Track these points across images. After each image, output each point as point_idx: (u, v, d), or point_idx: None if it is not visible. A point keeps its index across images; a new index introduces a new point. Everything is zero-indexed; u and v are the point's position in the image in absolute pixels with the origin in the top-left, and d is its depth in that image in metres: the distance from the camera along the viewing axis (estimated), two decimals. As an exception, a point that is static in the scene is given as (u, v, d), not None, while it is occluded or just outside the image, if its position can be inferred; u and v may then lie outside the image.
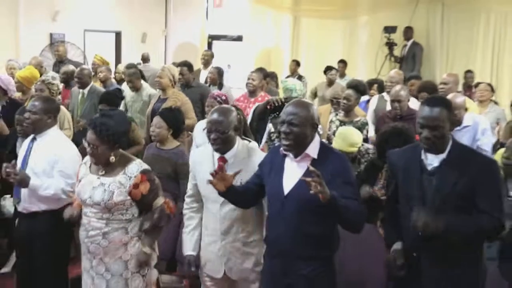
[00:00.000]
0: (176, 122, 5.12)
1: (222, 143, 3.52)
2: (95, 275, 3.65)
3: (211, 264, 3.71)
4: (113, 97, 6.11)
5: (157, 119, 5.09)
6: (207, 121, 3.67)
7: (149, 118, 6.45)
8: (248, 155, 3.60)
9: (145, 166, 3.66)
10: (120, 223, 3.60)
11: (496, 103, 8.04)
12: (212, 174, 3.24)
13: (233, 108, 3.74)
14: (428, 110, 3.10)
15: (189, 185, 3.84)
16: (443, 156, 3.13)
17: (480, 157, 3.27)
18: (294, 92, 6.11)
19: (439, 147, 3.12)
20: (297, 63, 11.75)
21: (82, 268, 3.76)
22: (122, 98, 6.71)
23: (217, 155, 3.60)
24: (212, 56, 10.25)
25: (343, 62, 11.41)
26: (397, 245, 3.29)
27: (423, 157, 3.19)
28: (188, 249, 3.73)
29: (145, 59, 11.22)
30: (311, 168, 2.91)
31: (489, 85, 8.09)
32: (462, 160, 3.11)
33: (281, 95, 6.49)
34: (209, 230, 3.69)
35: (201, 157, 3.71)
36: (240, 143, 3.62)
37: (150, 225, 3.63)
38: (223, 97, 5.59)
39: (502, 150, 4.68)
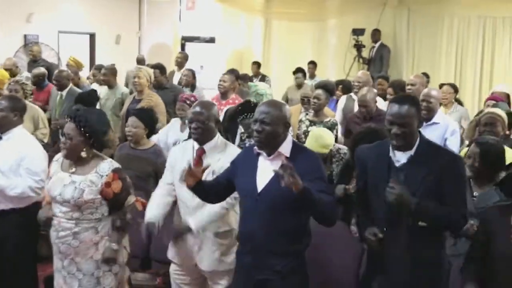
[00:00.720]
0: (151, 122, 5.11)
1: (202, 133, 3.61)
2: (67, 275, 3.59)
3: (183, 256, 3.74)
4: (89, 98, 6.07)
5: (133, 119, 5.04)
6: (189, 112, 3.76)
7: (123, 118, 6.40)
8: (225, 150, 3.67)
9: (116, 165, 3.63)
10: (90, 223, 3.56)
11: (460, 103, 8.13)
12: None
13: (215, 103, 3.86)
14: (397, 107, 3.12)
15: (165, 173, 3.88)
16: (410, 152, 3.15)
17: (446, 153, 3.29)
18: (264, 97, 6.16)
19: (408, 144, 3.13)
20: (258, 65, 11.76)
21: (54, 267, 3.70)
22: (97, 98, 6.66)
23: (197, 147, 3.67)
24: (186, 58, 10.21)
25: (313, 63, 11.44)
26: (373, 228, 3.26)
27: (391, 154, 3.19)
28: (148, 217, 3.70)
29: (140, 61, 11.11)
30: (285, 162, 2.91)
31: (453, 86, 8.18)
32: (429, 157, 3.13)
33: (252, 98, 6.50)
34: (181, 221, 3.71)
35: (182, 152, 3.76)
36: (219, 138, 3.71)
37: (122, 223, 3.60)
38: (192, 99, 5.62)
39: (466, 149, 4.72)
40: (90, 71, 9.79)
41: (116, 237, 3.61)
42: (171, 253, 3.85)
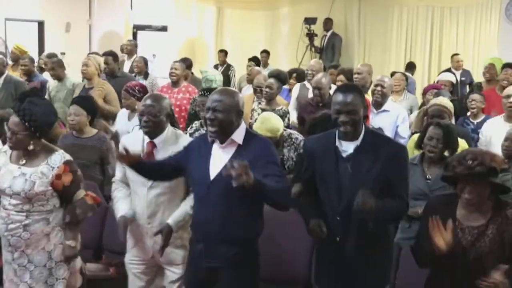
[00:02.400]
0: (93, 109, 5.04)
1: (152, 127, 3.56)
2: (17, 267, 3.52)
3: (139, 246, 3.71)
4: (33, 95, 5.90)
5: (75, 108, 4.96)
6: (140, 105, 3.71)
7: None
8: (176, 141, 3.62)
9: (68, 157, 3.54)
10: (41, 214, 3.48)
11: (409, 91, 8.26)
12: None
13: (166, 96, 3.80)
14: (342, 96, 3.13)
15: (118, 169, 3.82)
16: (356, 142, 3.17)
17: (391, 143, 3.34)
18: (214, 83, 6.17)
19: (354, 132, 3.15)
20: (225, 53, 11.67)
21: (3, 260, 3.61)
22: (43, 95, 6.51)
23: (147, 140, 3.62)
24: (135, 46, 10.09)
25: (266, 53, 11.43)
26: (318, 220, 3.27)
27: (337, 144, 3.21)
28: (121, 211, 3.66)
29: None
30: (234, 161, 2.88)
31: (404, 74, 8.31)
32: (375, 146, 3.17)
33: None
34: (136, 213, 3.66)
35: (132, 142, 3.69)
36: (169, 130, 3.65)
37: (72, 218, 3.52)
38: (137, 88, 5.58)
39: (415, 136, 4.80)
40: (38, 59, 9.52)
41: (71, 234, 3.55)
42: (129, 243, 3.80)
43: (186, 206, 3.56)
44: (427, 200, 3.43)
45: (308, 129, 4.55)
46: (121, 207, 3.69)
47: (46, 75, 8.08)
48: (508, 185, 4.32)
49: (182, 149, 3.44)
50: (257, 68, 9.02)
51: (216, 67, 10.87)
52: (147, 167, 3.40)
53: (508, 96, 5.42)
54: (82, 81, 7.18)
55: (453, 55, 10.19)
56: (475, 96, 6.23)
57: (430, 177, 4.10)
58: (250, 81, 7.96)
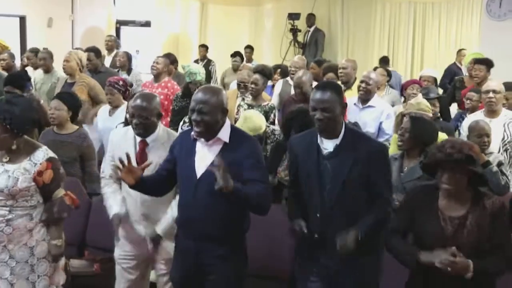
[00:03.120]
0: (75, 105, 4.97)
1: (143, 128, 3.53)
2: (-2, 263, 3.49)
3: (129, 242, 3.71)
4: (18, 79, 5.85)
5: (56, 102, 4.90)
6: (130, 106, 3.63)
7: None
8: (168, 140, 3.59)
9: (52, 154, 3.51)
10: (24, 210, 3.45)
11: (392, 87, 8.29)
12: (139, 160, 3.37)
13: (156, 95, 3.76)
14: (319, 93, 3.17)
15: (107, 166, 3.80)
16: (337, 141, 3.19)
17: (372, 142, 3.36)
18: (198, 76, 6.16)
19: (330, 129, 3.17)
20: (206, 48, 11.65)
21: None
22: (29, 79, 6.44)
23: (138, 139, 3.60)
24: (115, 41, 10.03)
25: (250, 48, 11.42)
26: (300, 220, 3.31)
27: (319, 141, 3.23)
28: (115, 209, 3.65)
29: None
30: (218, 160, 2.95)
31: (386, 69, 8.34)
32: (355, 145, 3.19)
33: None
34: (129, 213, 3.66)
35: (123, 139, 3.68)
36: (161, 128, 3.62)
37: (48, 217, 3.49)
38: (121, 83, 5.56)
39: (396, 135, 4.83)
40: (21, 55, 9.43)
41: (55, 234, 3.52)
42: (118, 239, 3.79)
43: (173, 211, 3.55)
44: (397, 193, 3.45)
45: (285, 124, 4.57)
46: (113, 205, 3.67)
47: (29, 70, 8.01)
48: (497, 179, 4.41)
49: (168, 154, 3.42)
50: (248, 64, 9.01)
51: (196, 62, 10.85)
52: (147, 185, 3.34)
53: (487, 92, 5.44)
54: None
55: (459, 50, 10.18)
56: (471, 94, 6.18)
57: (405, 169, 4.14)
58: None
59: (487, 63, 6.93)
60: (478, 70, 6.77)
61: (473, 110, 6.04)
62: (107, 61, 9.37)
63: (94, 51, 7.77)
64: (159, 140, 3.59)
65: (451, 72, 9.24)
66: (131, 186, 3.26)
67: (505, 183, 4.50)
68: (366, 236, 3.08)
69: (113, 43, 9.85)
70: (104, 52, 9.75)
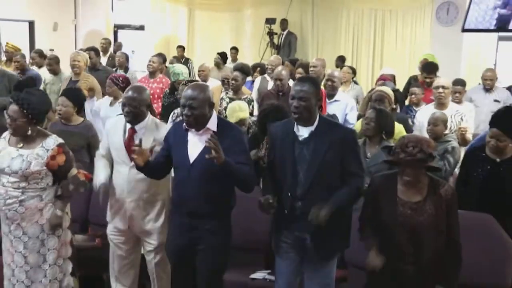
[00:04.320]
0: (79, 100, 4.98)
1: (133, 117, 3.55)
2: (13, 238, 3.50)
3: (118, 219, 3.70)
4: (25, 85, 5.77)
5: (62, 99, 4.91)
6: (123, 96, 3.68)
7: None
8: (156, 128, 3.62)
9: (61, 140, 3.54)
10: (35, 192, 3.46)
11: (356, 83, 8.34)
12: (126, 145, 3.44)
13: (147, 88, 3.80)
14: (299, 85, 3.20)
15: (102, 146, 3.82)
16: (312, 128, 3.21)
17: (343, 128, 3.42)
18: (181, 76, 6.18)
19: (305, 118, 3.19)
20: (183, 49, 11.61)
21: (2, 232, 3.60)
22: (34, 84, 6.37)
23: (129, 125, 3.61)
24: (109, 43, 10.00)
25: (235, 49, 11.45)
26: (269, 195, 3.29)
27: (295, 129, 3.25)
28: (101, 179, 3.64)
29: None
30: (211, 137, 3.00)
31: (351, 68, 8.38)
32: (328, 131, 3.20)
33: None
34: (117, 189, 3.66)
35: (115, 126, 3.70)
36: (150, 118, 3.64)
37: (65, 192, 3.52)
38: (121, 79, 5.58)
39: (360, 120, 4.87)
40: (30, 56, 9.31)
41: (60, 205, 3.53)
42: (108, 217, 3.80)
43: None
44: (366, 176, 3.48)
45: (260, 120, 4.60)
46: (101, 175, 3.67)
47: (43, 70, 7.93)
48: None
49: (163, 143, 3.44)
50: (228, 66, 8.99)
51: (174, 60, 10.80)
52: (151, 169, 3.37)
53: (437, 87, 5.51)
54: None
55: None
56: (415, 89, 6.30)
57: (369, 155, 4.18)
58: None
59: (434, 70, 6.93)
60: (428, 78, 6.80)
61: (417, 103, 6.13)
62: (103, 61, 9.30)
63: (94, 50, 7.82)
64: (147, 129, 3.60)
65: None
66: (139, 168, 3.30)
67: (446, 167, 4.55)
68: (338, 209, 3.10)
69: (107, 45, 9.81)
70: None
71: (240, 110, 5.12)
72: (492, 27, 3.50)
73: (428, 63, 7.26)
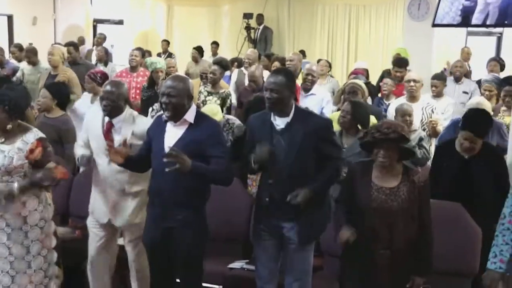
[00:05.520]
0: (59, 93, 4.96)
1: (111, 110, 3.54)
2: (-3, 231, 3.44)
3: (98, 211, 3.69)
4: (4, 81, 5.69)
5: (43, 91, 4.97)
6: (102, 91, 3.69)
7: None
8: (134, 122, 3.61)
9: (41, 135, 3.48)
10: (18, 184, 3.40)
11: (332, 76, 8.37)
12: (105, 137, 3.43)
13: (125, 83, 3.82)
14: (272, 77, 3.24)
15: (80, 137, 3.86)
16: (288, 119, 3.23)
17: (318, 118, 3.48)
18: (158, 64, 6.16)
19: (278, 109, 3.21)
20: (167, 43, 11.56)
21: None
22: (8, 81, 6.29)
23: (107, 119, 3.62)
24: (104, 38, 10.01)
25: (215, 44, 11.38)
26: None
27: (272, 119, 3.27)
28: (80, 152, 3.71)
29: (82, 41, 10.82)
30: (171, 149, 3.04)
31: (327, 61, 8.41)
32: (304, 121, 3.24)
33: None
34: (97, 181, 3.65)
35: (94, 118, 3.71)
36: (128, 112, 3.62)
37: (32, 177, 3.36)
38: (99, 75, 5.52)
39: (337, 112, 4.88)
40: (9, 50, 9.19)
41: (21, 184, 3.34)
42: (90, 208, 3.79)
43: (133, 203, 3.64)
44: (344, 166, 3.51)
45: (245, 112, 4.59)
46: (80, 151, 3.73)
47: (14, 62, 7.83)
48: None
49: (146, 137, 3.45)
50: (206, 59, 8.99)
51: (159, 55, 10.83)
52: (133, 164, 3.38)
53: (408, 81, 5.58)
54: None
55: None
56: (387, 80, 6.37)
57: (346, 146, 4.20)
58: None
59: (404, 65, 6.98)
60: (399, 72, 6.84)
61: (388, 95, 6.19)
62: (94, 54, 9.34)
63: (72, 45, 7.72)
64: (125, 122, 3.59)
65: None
66: (120, 165, 3.30)
67: (423, 155, 4.62)
68: (317, 191, 3.14)
69: (102, 40, 9.93)
70: (87, 47, 9.66)
71: (213, 115, 5.01)
72: (457, 21, 3.57)
73: (399, 58, 7.33)
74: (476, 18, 3.66)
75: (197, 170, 3.06)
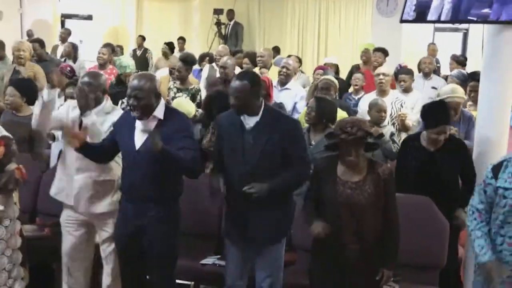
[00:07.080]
0: (28, 91, 4.79)
1: (89, 103, 3.47)
2: (-43, 232, 3.33)
3: (64, 194, 3.62)
4: None
5: (10, 89, 4.76)
6: (79, 82, 3.60)
7: (6, 89, 5.96)
8: (112, 112, 3.59)
9: (5, 133, 3.38)
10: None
11: (302, 72, 8.39)
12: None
13: (102, 73, 3.78)
14: (235, 83, 3.21)
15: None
16: (256, 118, 3.23)
17: (287, 118, 3.46)
18: (128, 69, 6.08)
19: (242, 112, 3.22)
20: (142, 38, 11.45)
21: None
22: None
23: (75, 112, 3.54)
24: (69, 33, 9.85)
25: (182, 39, 11.27)
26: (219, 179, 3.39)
27: (242, 118, 3.26)
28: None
29: (30, 35, 10.58)
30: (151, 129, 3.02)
31: (298, 57, 8.42)
32: (273, 121, 3.24)
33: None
34: (66, 165, 3.60)
35: (67, 112, 3.63)
36: (107, 103, 3.59)
37: None
38: (68, 69, 5.52)
39: (305, 109, 4.89)
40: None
41: (2, 200, 3.33)
42: (52, 190, 3.71)
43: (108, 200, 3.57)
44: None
45: (206, 107, 4.56)
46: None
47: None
48: (389, 147, 4.59)
49: (112, 129, 3.40)
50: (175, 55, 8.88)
51: (135, 50, 10.83)
52: (92, 151, 3.33)
53: (378, 75, 5.61)
54: (12, 63, 6.83)
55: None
56: (358, 75, 6.41)
57: (313, 142, 4.21)
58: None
59: (383, 51, 7.08)
60: (377, 57, 6.90)
61: (359, 89, 6.23)
62: (60, 50, 9.16)
63: (38, 41, 7.57)
64: (103, 112, 3.55)
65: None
66: (77, 149, 3.25)
67: (396, 149, 4.66)
68: (272, 189, 3.12)
69: (66, 36, 9.74)
70: (53, 43, 9.50)
71: (188, 114, 4.97)
72: (411, 17, 3.61)
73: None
74: (431, 14, 3.72)
75: (166, 152, 3.01)
